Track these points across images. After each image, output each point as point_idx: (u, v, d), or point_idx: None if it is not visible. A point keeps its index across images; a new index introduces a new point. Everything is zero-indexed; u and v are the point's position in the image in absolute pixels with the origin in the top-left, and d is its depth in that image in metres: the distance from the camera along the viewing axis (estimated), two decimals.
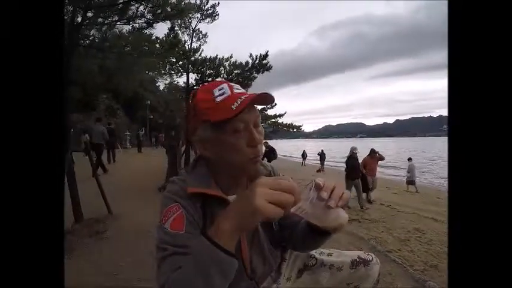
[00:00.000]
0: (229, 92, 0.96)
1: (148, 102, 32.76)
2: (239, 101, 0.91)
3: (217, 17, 13.25)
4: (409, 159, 15.24)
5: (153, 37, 7.82)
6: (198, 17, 13.06)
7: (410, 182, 14.04)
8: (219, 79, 13.51)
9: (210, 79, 13.13)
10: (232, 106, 0.90)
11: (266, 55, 12.54)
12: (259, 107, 1.04)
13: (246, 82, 12.76)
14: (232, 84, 1.02)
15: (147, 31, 6.67)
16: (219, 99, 0.95)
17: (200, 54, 13.39)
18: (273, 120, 17.11)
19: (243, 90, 1.00)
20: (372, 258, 1.27)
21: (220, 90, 0.97)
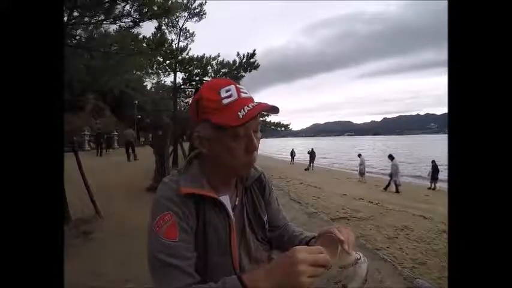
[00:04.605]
0: (236, 96, 0.95)
1: (136, 102, 32.34)
2: (246, 109, 0.90)
3: (204, 15, 13.22)
4: (359, 155, 18.11)
5: (140, 36, 7.76)
6: (185, 16, 13.02)
7: (362, 173, 16.67)
8: (207, 78, 13.59)
9: (197, 78, 13.11)
10: (239, 113, 0.89)
11: (253, 54, 12.58)
12: None
13: (233, 81, 12.77)
14: (239, 86, 1.00)
15: (134, 30, 6.62)
16: (225, 101, 0.94)
17: (187, 53, 13.38)
18: (261, 119, 17.19)
19: (249, 95, 1.00)
20: (360, 257, 1.27)
21: (227, 92, 0.96)
